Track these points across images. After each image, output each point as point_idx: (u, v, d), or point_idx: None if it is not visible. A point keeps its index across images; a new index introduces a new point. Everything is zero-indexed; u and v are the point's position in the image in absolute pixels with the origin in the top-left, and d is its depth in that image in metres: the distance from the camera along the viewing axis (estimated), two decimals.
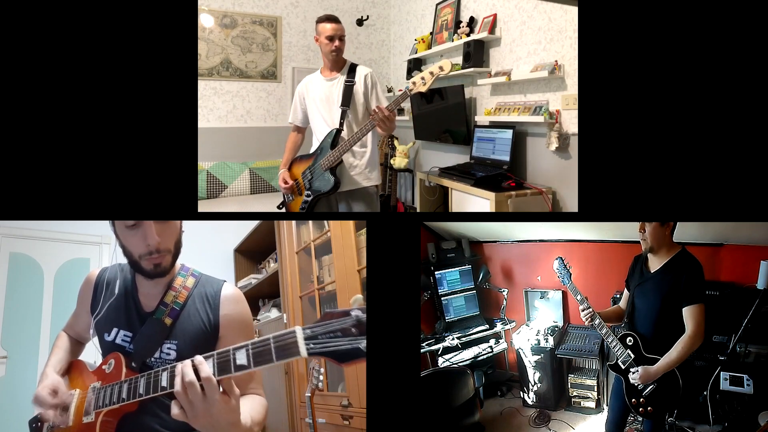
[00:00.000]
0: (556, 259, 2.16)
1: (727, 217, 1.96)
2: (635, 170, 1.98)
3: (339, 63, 2.51)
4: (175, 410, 1.11)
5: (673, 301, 1.84)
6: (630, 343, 1.91)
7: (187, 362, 1.11)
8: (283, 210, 2.72)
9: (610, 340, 1.95)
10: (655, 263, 1.93)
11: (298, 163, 2.62)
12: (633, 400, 1.90)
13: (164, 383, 1.20)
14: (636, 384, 1.88)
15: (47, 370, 1.49)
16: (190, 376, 1.08)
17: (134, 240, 1.38)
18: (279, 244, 3.28)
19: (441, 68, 2.20)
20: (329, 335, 0.99)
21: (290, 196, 2.62)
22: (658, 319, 1.89)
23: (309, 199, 2.51)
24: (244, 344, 1.06)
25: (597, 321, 1.98)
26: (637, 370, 1.87)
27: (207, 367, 1.09)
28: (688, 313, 1.81)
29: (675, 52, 1.96)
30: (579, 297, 2.03)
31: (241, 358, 1.07)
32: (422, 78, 2.23)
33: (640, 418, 2.02)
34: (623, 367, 1.92)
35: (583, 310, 2.00)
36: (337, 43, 2.44)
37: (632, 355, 1.90)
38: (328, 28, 2.44)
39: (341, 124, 2.46)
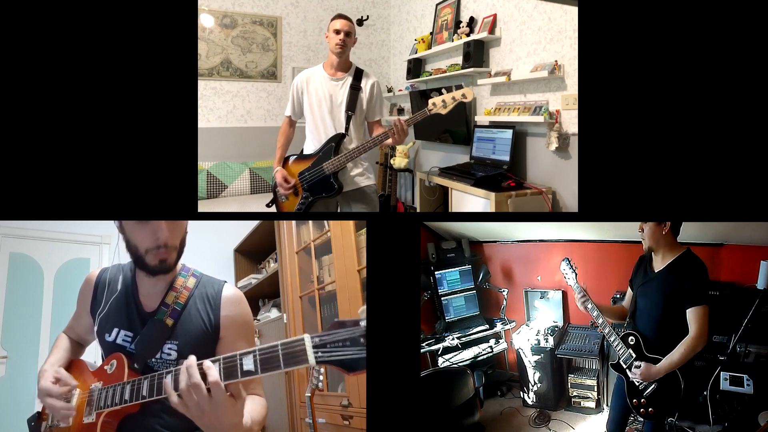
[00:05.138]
0: (563, 260, 2.17)
1: (727, 217, 1.96)
2: (635, 170, 1.98)
3: (345, 64, 2.50)
4: (174, 399, 1.14)
5: (677, 301, 1.84)
6: (632, 343, 1.91)
7: (193, 363, 1.12)
8: (273, 208, 2.67)
9: (612, 339, 1.95)
10: (659, 263, 1.93)
11: (295, 163, 2.56)
12: (634, 400, 1.91)
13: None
14: (637, 382, 1.89)
15: (46, 366, 1.49)
16: (196, 378, 1.10)
17: (142, 234, 1.38)
18: (279, 244, 3.28)
19: (464, 96, 2.28)
20: (337, 344, 0.99)
21: (285, 197, 2.59)
22: (660, 319, 1.89)
23: (306, 200, 2.50)
24: (251, 350, 1.06)
25: (590, 305, 1.97)
26: (640, 365, 1.87)
27: (215, 371, 1.10)
28: (692, 315, 1.81)
29: (675, 52, 1.96)
30: (581, 293, 2.03)
31: (249, 363, 1.07)
32: (443, 101, 2.28)
33: (641, 419, 2.02)
34: (625, 366, 1.92)
35: (579, 298, 2.01)
36: (341, 36, 2.43)
37: (634, 355, 1.90)
38: (337, 22, 2.44)
39: (347, 130, 2.45)
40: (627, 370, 1.91)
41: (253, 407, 1.35)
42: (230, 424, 1.14)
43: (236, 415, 1.14)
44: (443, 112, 2.28)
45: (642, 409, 1.89)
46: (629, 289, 2.07)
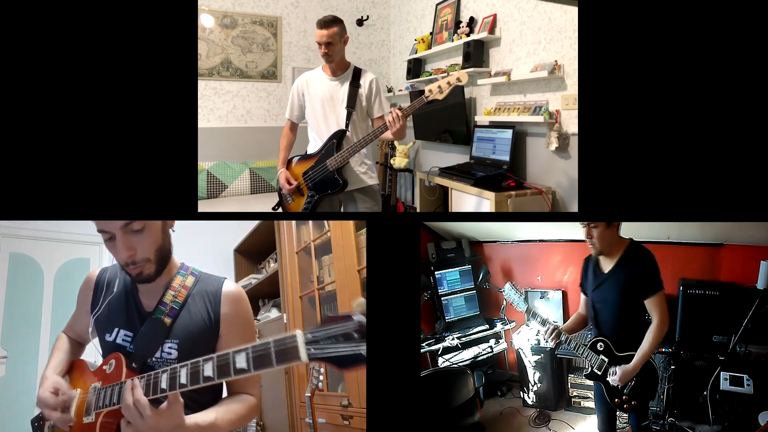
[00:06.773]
0: (507, 284, 2.16)
1: (727, 217, 1.96)
2: (635, 170, 1.98)
3: (341, 65, 2.51)
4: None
5: (633, 294, 1.87)
6: (601, 349, 1.92)
7: (128, 386, 1.23)
8: (280, 211, 2.70)
9: (580, 353, 1.96)
10: (607, 263, 1.95)
11: (298, 164, 2.59)
12: (616, 400, 1.92)
13: (164, 385, 1.20)
14: (617, 385, 1.90)
15: (47, 373, 1.48)
16: (128, 400, 1.21)
17: (114, 252, 1.39)
18: (279, 244, 3.28)
19: (458, 79, 2.28)
20: (331, 340, 0.96)
21: (290, 198, 2.60)
22: (620, 316, 1.91)
23: (312, 199, 2.51)
24: (244, 348, 1.05)
25: (564, 337, 1.98)
26: (615, 372, 1.88)
27: (138, 391, 1.21)
28: (651, 304, 1.84)
29: (675, 52, 1.96)
30: (539, 319, 2.03)
31: (241, 361, 1.06)
32: (439, 87, 2.29)
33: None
34: (599, 373, 1.93)
35: (546, 332, 1.99)
36: (323, 49, 2.45)
37: (606, 360, 1.91)
38: (317, 34, 2.45)
39: (347, 126, 2.46)
40: (603, 376, 1.92)
41: (229, 407, 1.38)
42: (169, 429, 1.22)
43: (172, 419, 1.21)
44: (440, 97, 2.29)
45: (626, 405, 1.91)
46: (582, 294, 2.07)
